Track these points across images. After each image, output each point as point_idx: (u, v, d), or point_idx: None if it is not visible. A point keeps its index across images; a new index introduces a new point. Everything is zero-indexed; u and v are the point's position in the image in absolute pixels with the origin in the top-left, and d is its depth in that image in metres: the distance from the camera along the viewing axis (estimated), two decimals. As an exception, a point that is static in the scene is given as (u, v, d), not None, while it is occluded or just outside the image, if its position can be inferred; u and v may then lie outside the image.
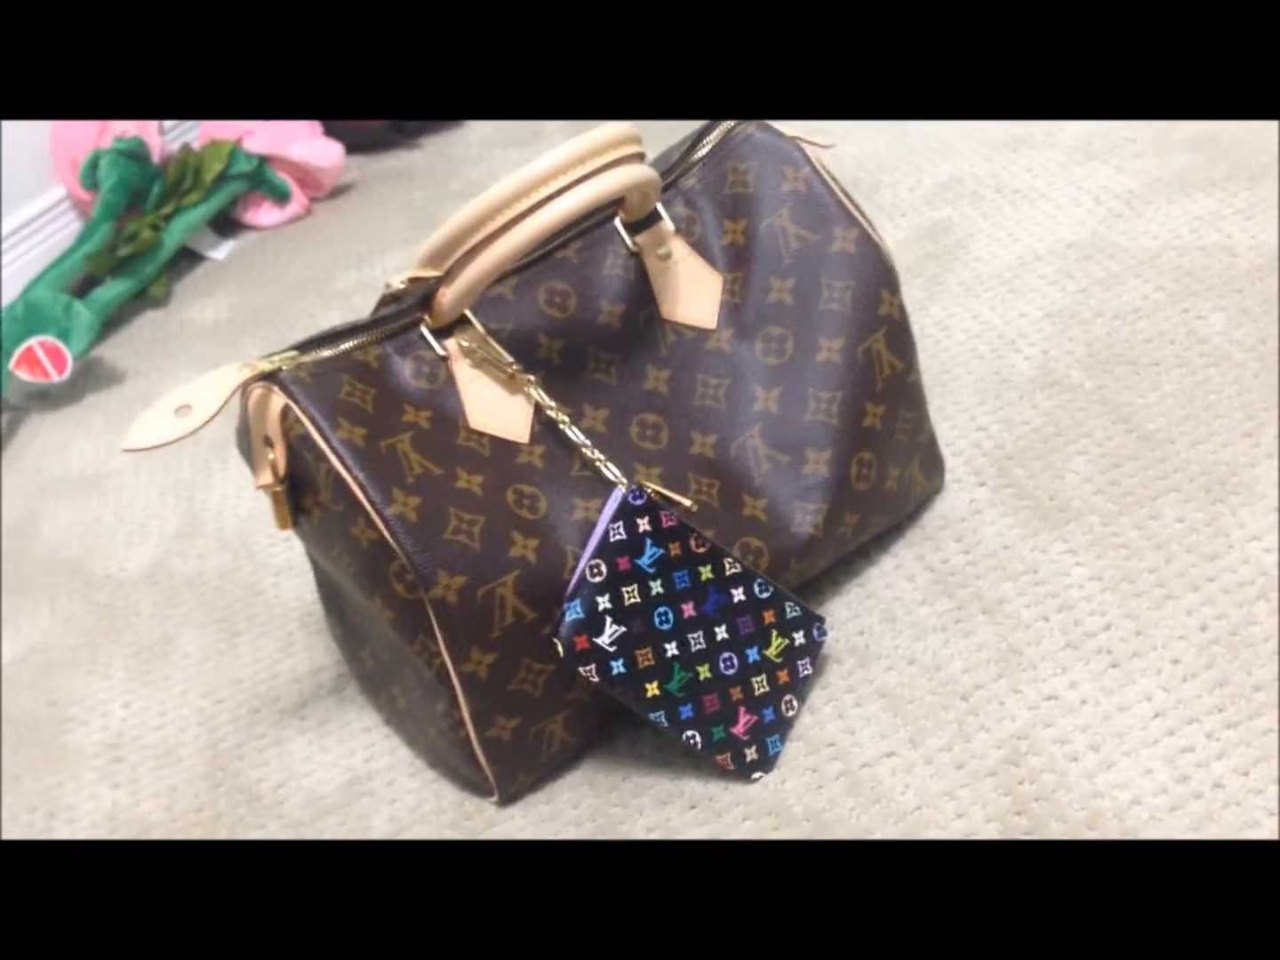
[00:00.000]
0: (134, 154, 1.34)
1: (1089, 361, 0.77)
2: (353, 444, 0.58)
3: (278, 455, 0.59)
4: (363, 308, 1.16)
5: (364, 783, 0.68)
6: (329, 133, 1.47)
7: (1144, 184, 0.90)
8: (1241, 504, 0.65)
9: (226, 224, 1.45)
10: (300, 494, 0.60)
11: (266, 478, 0.60)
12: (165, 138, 1.44)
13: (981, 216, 0.94)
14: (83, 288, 1.29)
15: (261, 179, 1.40)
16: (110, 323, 1.31)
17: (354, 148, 1.52)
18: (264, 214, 1.43)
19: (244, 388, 0.59)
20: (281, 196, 1.42)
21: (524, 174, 0.59)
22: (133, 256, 1.31)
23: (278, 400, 0.58)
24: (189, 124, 1.57)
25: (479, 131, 1.47)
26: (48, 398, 1.20)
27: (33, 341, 1.12)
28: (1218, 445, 0.68)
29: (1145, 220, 0.87)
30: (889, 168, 1.05)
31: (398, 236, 1.28)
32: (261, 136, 1.39)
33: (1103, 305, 0.81)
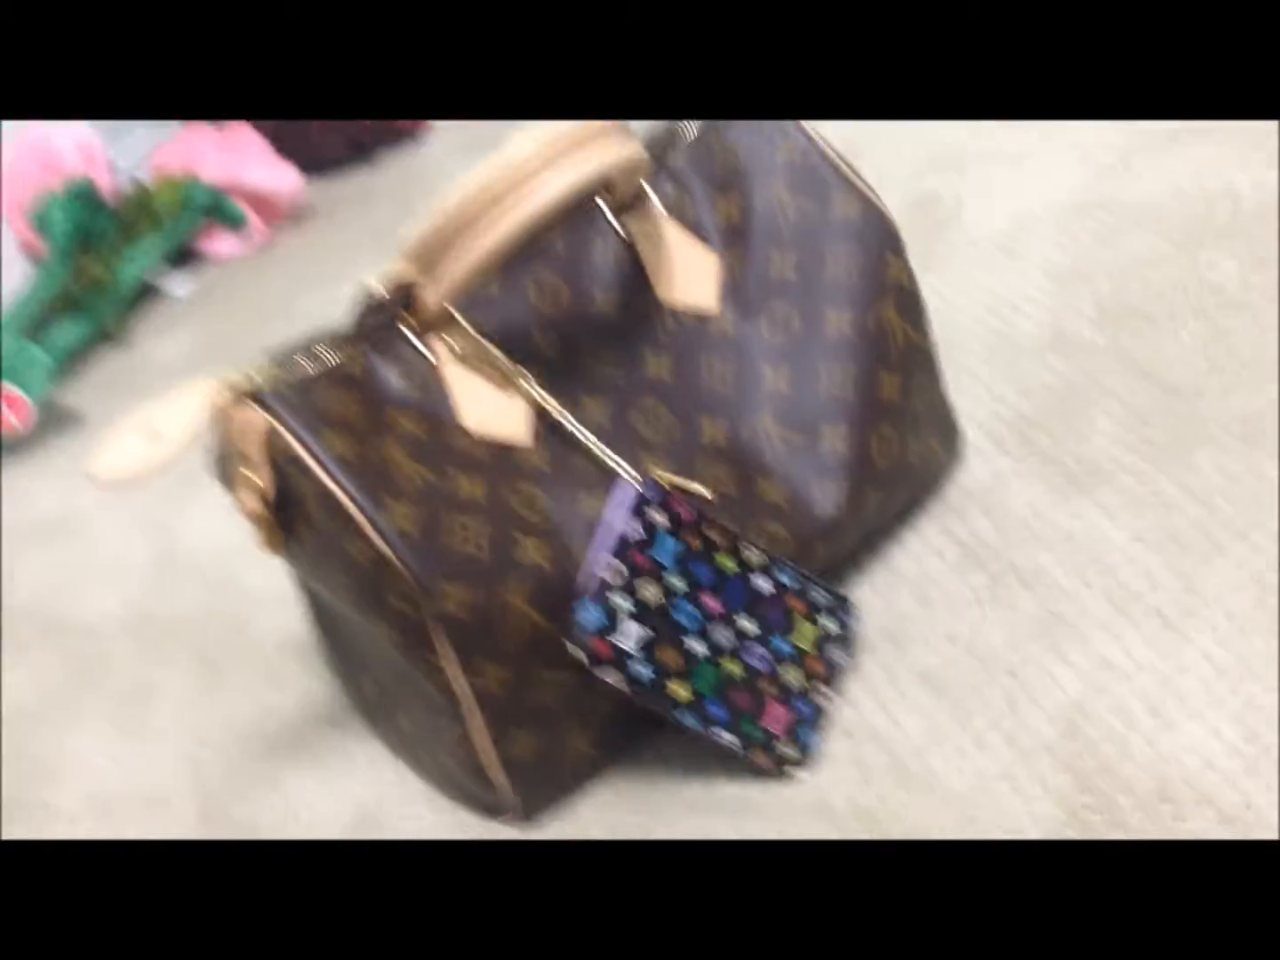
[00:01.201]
0: (84, 196, 1.31)
1: (1100, 318, 0.74)
2: (342, 458, 0.54)
3: (263, 478, 0.56)
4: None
5: (374, 817, 0.64)
6: (283, 156, 1.43)
7: (1132, 137, 0.87)
8: (1281, 450, 0.62)
9: (186, 258, 1.41)
10: (289, 516, 0.57)
11: (251, 503, 0.56)
12: (117, 176, 1.41)
13: (969, 183, 0.91)
14: (41, 333, 1.26)
15: (218, 209, 1.37)
16: (72, 366, 1.27)
17: (310, 170, 1.48)
18: (223, 244, 1.39)
19: (218, 406, 0.56)
20: (239, 225, 1.38)
21: (503, 159, 0.56)
22: (89, 298, 1.27)
23: (259, 418, 0.55)
24: (139, 159, 1.53)
25: (440, 144, 1.43)
26: (8, 446, 1.15)
27: (-9, 391, 1.08)
28: (1248, 393, 0.65)
29: (1140, 172, 0.84)
30: (869, 144, 1.02)
31: (365, 257, 1.25)
32: (214, 165, 1.36)
33: (1106, 260, 0.78)
